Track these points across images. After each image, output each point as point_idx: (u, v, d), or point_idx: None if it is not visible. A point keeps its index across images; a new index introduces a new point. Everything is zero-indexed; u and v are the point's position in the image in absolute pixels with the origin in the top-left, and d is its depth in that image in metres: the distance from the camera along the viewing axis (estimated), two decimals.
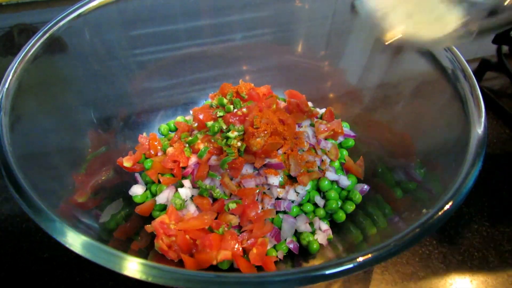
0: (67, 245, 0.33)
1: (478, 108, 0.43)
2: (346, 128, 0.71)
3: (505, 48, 1.02)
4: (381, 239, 0.48)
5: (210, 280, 0.33)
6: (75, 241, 0.33)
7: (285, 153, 0.61)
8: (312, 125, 0.69)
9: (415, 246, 0.63)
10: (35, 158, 0.45)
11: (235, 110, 0.62)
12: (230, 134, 0.58)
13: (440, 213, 0.35)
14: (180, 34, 0.76)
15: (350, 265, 0.33)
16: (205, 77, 0.80)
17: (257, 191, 0.58)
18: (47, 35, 0.55)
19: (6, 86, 0.45)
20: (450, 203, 0.36)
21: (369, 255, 0.33)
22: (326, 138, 0.67)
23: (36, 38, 0.54)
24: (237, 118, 0.60)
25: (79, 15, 0.59)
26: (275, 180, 0.59)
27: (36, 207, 0.35)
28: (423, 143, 0.56)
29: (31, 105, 0.50)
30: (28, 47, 0.52)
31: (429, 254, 0.63)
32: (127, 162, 0.62)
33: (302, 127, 0.66)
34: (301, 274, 0.34)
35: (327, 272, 0.34)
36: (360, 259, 0.33)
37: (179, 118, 0.74)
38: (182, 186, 0.60)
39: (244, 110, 0.60)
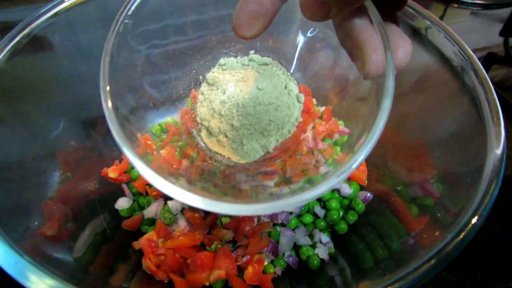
0: None
1: (498, 126, 0.38)
2: (341, 126, 0.67)
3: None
4: (390, 256, 0.45)
5: None
6: (39, 285, 0.28)
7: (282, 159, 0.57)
8: (313, 127, 0.64)
9: None
10: None
11: None
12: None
13: (459, 238, 0.31)
14: (166, 30, 0.71)
15: None
16: (195, 69, 0.75)
17: None
18: (20, 35, 0.50)
19: None
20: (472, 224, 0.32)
21: None
22: (322, 139, 0.63)
23: (8, 38, 0.49)
24: None
25: (56, 13, 0.54)
26: None
27: None
28: (433, 148, 0.51)
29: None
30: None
31: None
32: (112, 173, 0.58)
33: (306, 132, 0.62)
34: None
35: None
36: None
37: (169, 120, 0.69)
38: (171, 198, 0.56)
39: None
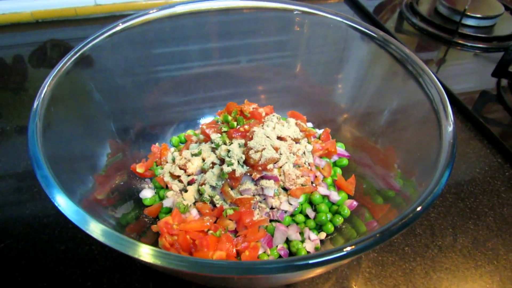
0: (89, 233, 0.40)
1: (451, 146, 0.49)
2: (341, 148, 0.77)
3: (504, 82, 1.07)
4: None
5: (206, 264, 0.38)
6: (96, 229, 0.40)
7: (280, 167, 0.67)
8: (309, 142, 0.75)
9: (399, 261, 0.67)
10: (63, 159, 0.53)
11: (238, 126, 0.68)
12: (231, 147, 0.65)
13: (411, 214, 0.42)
14: (193, 56, 0.84)
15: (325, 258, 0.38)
16: (215, 96, 0.87)
17: (253, 200, 0.64)
18: (78, 53, 0.63)
19: (42, 96, 0.53)
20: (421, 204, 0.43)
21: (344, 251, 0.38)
22: (321, 156, 0.73)
23: (69, 56, 0.62)
24: (239, 133, 0.66)
25: (106, 37, 0.67)
26: (270, 191, 0.65)
27: (65, 202, 0.42)
28: (406, 161, 0.62)
29: (60, 114, 0.58)
30: (62, 64, 0.60)
31: (412, 270, 0.67)
32: (139, 168, 0.70)
33: (299, 143, 0.73)
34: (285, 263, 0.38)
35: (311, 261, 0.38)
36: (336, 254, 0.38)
37: (189, 132, 0.81)
38: (186, 191, 0.67)
39: (246, 127, 0.67)
